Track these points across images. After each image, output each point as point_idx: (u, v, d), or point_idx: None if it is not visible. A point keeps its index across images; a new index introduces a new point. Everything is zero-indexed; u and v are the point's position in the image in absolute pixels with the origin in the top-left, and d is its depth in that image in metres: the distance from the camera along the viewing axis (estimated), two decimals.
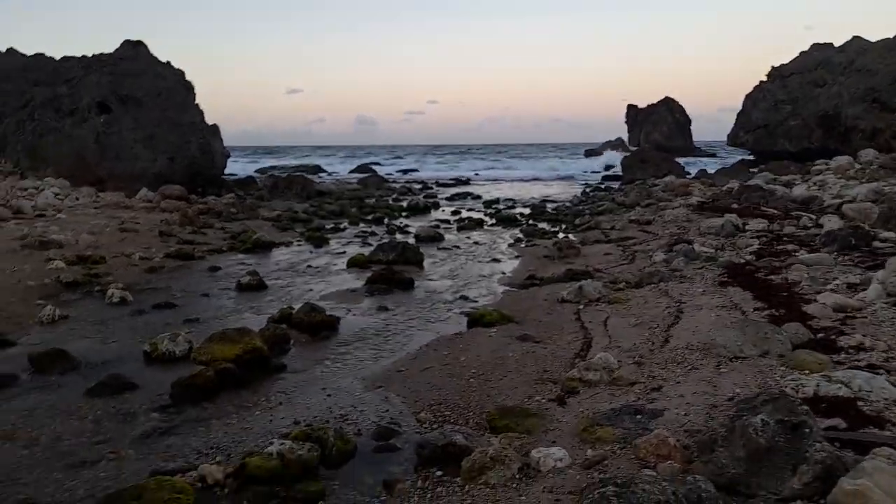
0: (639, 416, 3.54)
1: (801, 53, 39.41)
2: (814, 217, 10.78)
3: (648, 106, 58.99)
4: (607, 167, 37.68)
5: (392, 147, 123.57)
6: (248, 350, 4.89)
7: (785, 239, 9.09)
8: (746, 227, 10.21)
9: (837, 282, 6.01)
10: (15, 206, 12.34)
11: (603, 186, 25.71)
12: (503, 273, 9.04)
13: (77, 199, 14.93)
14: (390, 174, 36.15)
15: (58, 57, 21.16)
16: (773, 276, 6.68)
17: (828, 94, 32.04)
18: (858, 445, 2.79)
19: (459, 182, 30.77)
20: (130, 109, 18.01)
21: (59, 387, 4.66)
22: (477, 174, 37.88)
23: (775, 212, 12.34)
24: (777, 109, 39.76)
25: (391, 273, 8.29)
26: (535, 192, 25.20)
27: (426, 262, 9.77)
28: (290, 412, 4.18)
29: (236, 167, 35.92)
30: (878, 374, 3.64)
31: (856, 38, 36.88)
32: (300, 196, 21.40)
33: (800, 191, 13.17)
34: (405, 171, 39.84)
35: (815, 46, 38.62)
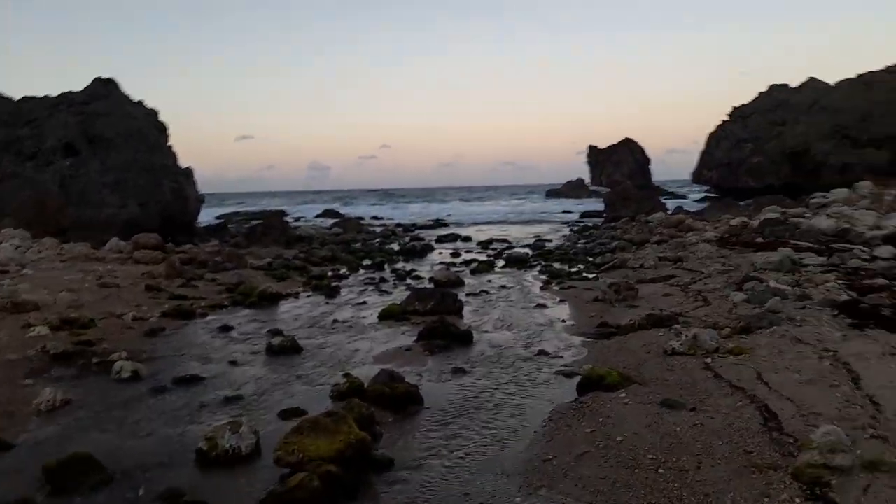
0: None
1: (760, 94, 40.63)
2: (865, 249, 10.22)
3: (609, 147, 60.06)
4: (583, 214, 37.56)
5: (347, 191, 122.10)
6: (350, 443, 3.65)
7: (861, 273, 8.39)
8: (805, 262, 9.52)
9: None
10: None
11: (590, 224, 25.17)
12: (562, 321, 7.98)
13: (40, 252, 13.24)
14: (361, 218, 34.94)
15: (17, 97, 19.43)
16: None
17: (793, 132, 32.78)
18: None
19: (439, 224, 29.81)
20: (99, 152, 16.42)
21: None
22: (449, 216, 37.06)
23: (811, 245, 11.77)
24: (739, 148, 40.70)
25: (444, 326, 7.12)
26: (522, 232, 24.43)
27: (465, 311, 8.68)
28: None
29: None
30: None
31: (812, 79, 38.29)
32: (279, 242, 20.00)
33: (827, 223, 12.67)
34: (376, 217, 38.65)
35: (774, 87, 39.86)
